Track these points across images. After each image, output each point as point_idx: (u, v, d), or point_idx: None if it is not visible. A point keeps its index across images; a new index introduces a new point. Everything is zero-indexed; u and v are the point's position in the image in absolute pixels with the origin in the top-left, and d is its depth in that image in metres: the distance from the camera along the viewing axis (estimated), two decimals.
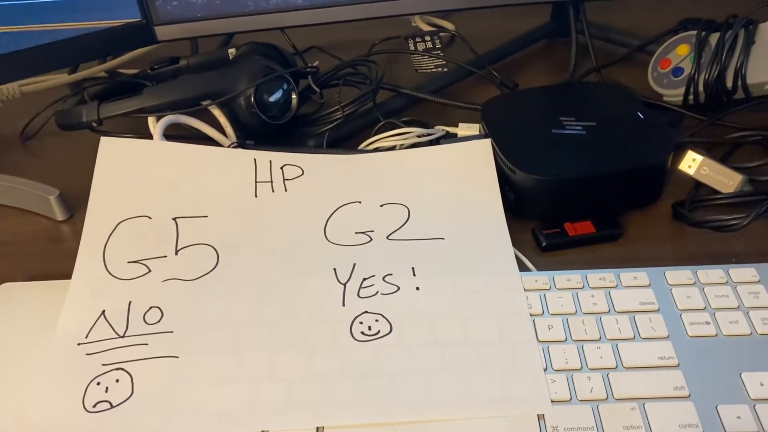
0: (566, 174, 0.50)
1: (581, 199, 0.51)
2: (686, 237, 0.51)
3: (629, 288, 0.45)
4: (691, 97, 0.60)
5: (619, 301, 0.44)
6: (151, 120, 0.57)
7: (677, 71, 0.62)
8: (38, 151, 0.67)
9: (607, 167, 0.50)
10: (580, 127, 0.53)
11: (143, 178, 0.53)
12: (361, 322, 0.44)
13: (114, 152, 0.54)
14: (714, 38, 0.59)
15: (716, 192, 0.52)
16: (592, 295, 0.45)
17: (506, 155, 0.52)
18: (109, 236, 0.50)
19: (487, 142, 0.54)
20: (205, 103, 0.58)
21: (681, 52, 0.62)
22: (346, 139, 0.63)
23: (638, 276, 0.46)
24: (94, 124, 0.58)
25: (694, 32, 0.61)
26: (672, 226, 0.52)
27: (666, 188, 0.54)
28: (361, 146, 0.59)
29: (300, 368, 0.42)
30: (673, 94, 0.62)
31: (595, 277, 0.46)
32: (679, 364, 0.40)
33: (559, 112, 0.55)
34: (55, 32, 0.58)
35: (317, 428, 0.39)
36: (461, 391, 0.40)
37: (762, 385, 0.39)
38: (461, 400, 0.39)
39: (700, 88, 0.59)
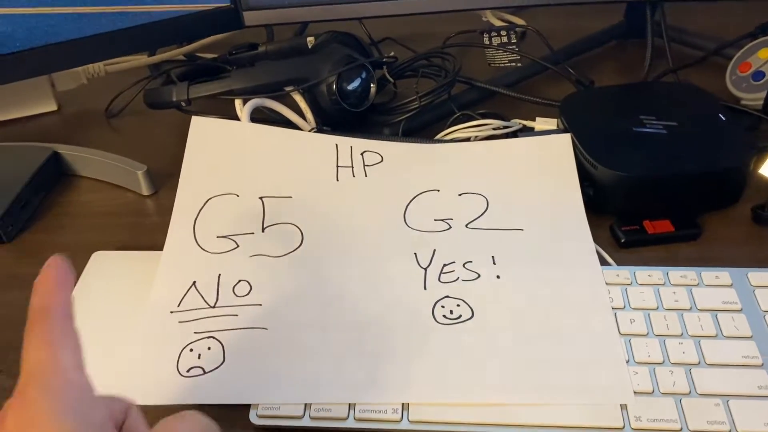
0: (648, 171, 0.50)
1: (661, 198, 0.51)
2: (765, 240, 0.51)
3: (711, 287, 0.45)
4: None
5: (701, 299, 0.44)
6: (238, 102, 0.59)
7: (758, 75, 0.62)
8: (122, 129, 0.70)
9: (690, 167, 0.51)
10: (661, 126, 0.54)
11: (231, 157, 0.55)
12: (443, 306, 0.45)
13: (204, 131, 0.56)
14: None
15: None
16: (674, 292, 0.45)
17: (587, 150, 0.52)
18: (199, 211, 0.52)
19: (567, 137, 0.55)
20: (288, 88, 0.60)
21: (763, 56, 0.62)
22: (419, 129, 0.64)
23: (720, 275, 0.46)
24: (183, 104, 0.60)
25: None
26: (751, 229, 0.52)
27: (744, 191, 0.54)
28: (437, 137, 0.60)
29: (384, 346, 0.43)
30: (752, 98, 0.62)
31: (677, 274, 0.46)
32: (763, 364, 0.41)
33: (639, 111, 0.55)
34: (148, 14, 0.60)
35: (402, 404, 0.40)
36: (543, 377, 0.41)
37: None
38: (543, 386, 0.40)
39: None
